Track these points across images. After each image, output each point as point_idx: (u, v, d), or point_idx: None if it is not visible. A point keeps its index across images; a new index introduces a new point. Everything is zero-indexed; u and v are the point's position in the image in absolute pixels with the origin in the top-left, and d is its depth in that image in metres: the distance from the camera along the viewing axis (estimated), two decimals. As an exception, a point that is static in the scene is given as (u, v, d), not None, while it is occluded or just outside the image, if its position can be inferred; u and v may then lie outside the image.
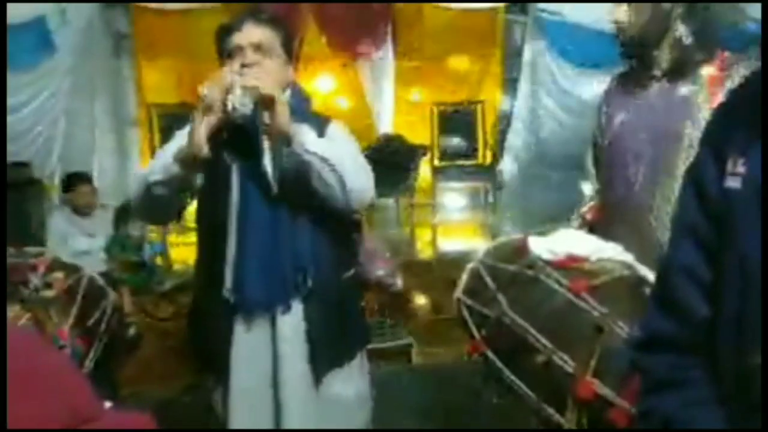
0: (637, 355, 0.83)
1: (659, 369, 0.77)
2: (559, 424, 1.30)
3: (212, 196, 1.44)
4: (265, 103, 1.30)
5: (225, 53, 1.46)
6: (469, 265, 1.66)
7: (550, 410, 1.33)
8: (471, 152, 5.88)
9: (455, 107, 5.89)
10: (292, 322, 1.43)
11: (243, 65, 1.41)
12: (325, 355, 1.47)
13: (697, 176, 0.75)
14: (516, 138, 5.69)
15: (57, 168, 4.50)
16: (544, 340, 1.36)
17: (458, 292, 1.62)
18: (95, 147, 4.87)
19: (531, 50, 5.46)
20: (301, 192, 1.38)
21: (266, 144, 1.40)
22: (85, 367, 1.72)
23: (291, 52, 1.54)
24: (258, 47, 1.43)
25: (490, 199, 5.62)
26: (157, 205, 1.41)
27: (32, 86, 4.45)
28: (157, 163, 1.39)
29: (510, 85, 5.78)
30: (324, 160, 1.34)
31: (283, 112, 1.31)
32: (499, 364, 1.48)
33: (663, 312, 0.77)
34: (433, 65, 6.05)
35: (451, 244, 5.38)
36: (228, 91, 1.27)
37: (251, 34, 1.44)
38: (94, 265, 2.82)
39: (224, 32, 1.46)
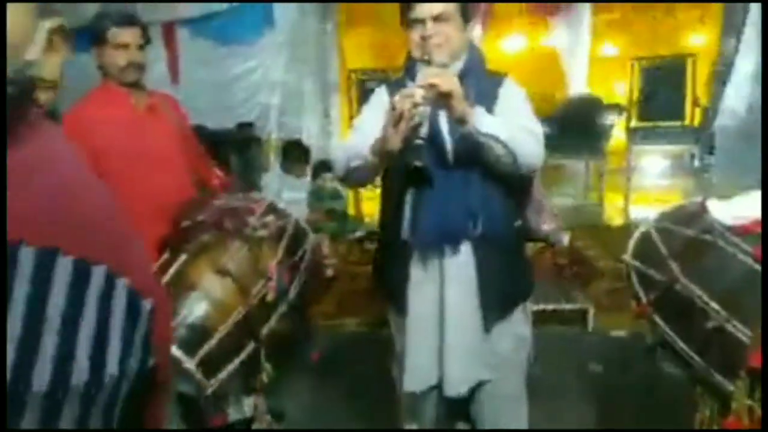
0: None
1: None
2: (727, 392, 1.25)
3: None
4: (444, 98, 1.44)
5: (407, 24, 1.59)
6: (641, 228, 1.61)
7: (719, 377, 1.28)
8: (677, 112, 5.31)
9: (660, 62, 5.34)
10: (461, 264, 1.57)
11: (423, 38, 1.55)
12: (492, 299, 1.58)
13: None
14: (735, 95, 5.00)
15: (274, 129, 5.18)
16: (717, 307, 1.30)
17: (627, 255, 1.60)
18: (304, 109, 5.48)
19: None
20: (474, 163, 1.53)
21: (444, 124, 1.56)
22: (288, 298, 2.01)
23: (468, 16, 1.62)
24: (437, 18, 1.55)
25: (696, 163, 5.06)
26: (357, 179, 1.71)
27: (256, 57, 5.15)
28: (355, 150, 1.60)
29: (731, 33, 5.06)
30: (497, 140, 1.47)
31: (459, 104, 1.45)
32: (665, 328, 1.44)
33: None
34: (636, 16, 5.54)
35: (646, 211, 4.99)
36: (415, 104, 1.41)
37: (431, 6, 1.55)
38: (298, 214, 3.26)
39: (407, 4, 1.59)
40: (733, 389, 1.23)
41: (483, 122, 1.48)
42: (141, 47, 1.98)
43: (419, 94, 1.41)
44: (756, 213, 1.39)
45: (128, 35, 1.93)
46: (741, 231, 1.37)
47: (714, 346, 1.30)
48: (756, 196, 1.45)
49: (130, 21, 1.97)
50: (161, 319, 0.58)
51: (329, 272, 3.81)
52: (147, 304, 0.55)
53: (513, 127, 1.51)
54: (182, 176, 2.08)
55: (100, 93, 2.00)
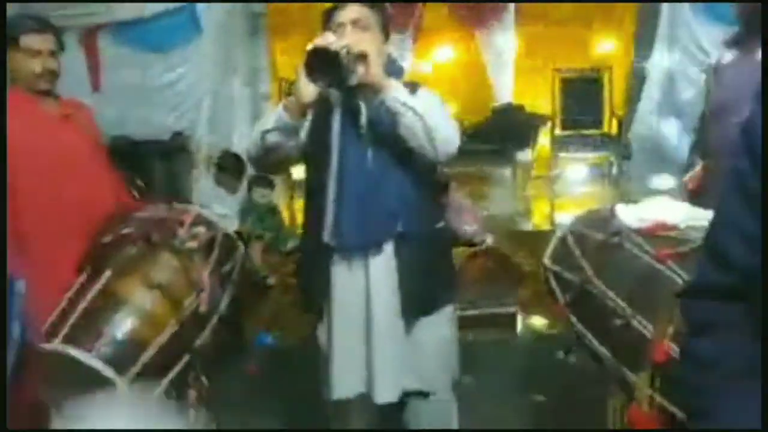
0: (684, 302, 0.85)
1: (700, 314, 0.79)
2: (633, 383, 1.34)
3: (315, 155, 1.63)
4: (360, 58, 1.46)
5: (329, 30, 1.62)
6: (558, 233, 1.70)
7: (626, 370, 1.36)
8: (596, 121, 5.60)
9: (579, 73, 5.62)
10: (384, 264, 1.58)
11: None
12: (415, 299, 1.61)
13: (748, 128, 0.76)
14: (649, 105, 5.32)
15: (203, 139, 5.05)
16: (623, 305, 1.40)
17: (545, 258, 1.68)
18: (234, 119, 5.37)
19: (670, 6, 5.02)
20: (391, 139, 1.53)
21: (360, 96, 1.56)
22: (219, 310, 1.95)
23: (387, 32, 1.69)
24: (356, 23, 1.59)
25: (615, 170, 5.35)
26: (268, 152, 1.60)
27: (183, 65, 5.01)
28: (270, 116, 1.61)
29: (644, 47, 5.39)
30: (413, 110, 1.48)
31: (375, 66, 1.47)
32: (580, 327, 1.53)
33: (710, 262, 0.79)
34: (558, 30, 5.82)
35: (570, 217, 5.20)
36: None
37: (351, 11, 1.60)
38: (230, 226, 3.21)
39: (329, 13, 1.64)
40: (636, 380, 1.32)
41: (399, 92, 1.50)
42: (54, 54, 1.89)
43: (333, 38, 1.45)
44: (659, 216, 1.50)
45: (40, 41, 1.85)
46: (646, 233, 1.48)
47: (622, 342, 1.39)
48: (660, 200, 1.57)
49: (42, 27, 1.88)
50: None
51: (269, 281, 3.77)
52: (21, 285, 0.58)
53: (429, 107, 1.53)
54: (100, 188, 1.99)
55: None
